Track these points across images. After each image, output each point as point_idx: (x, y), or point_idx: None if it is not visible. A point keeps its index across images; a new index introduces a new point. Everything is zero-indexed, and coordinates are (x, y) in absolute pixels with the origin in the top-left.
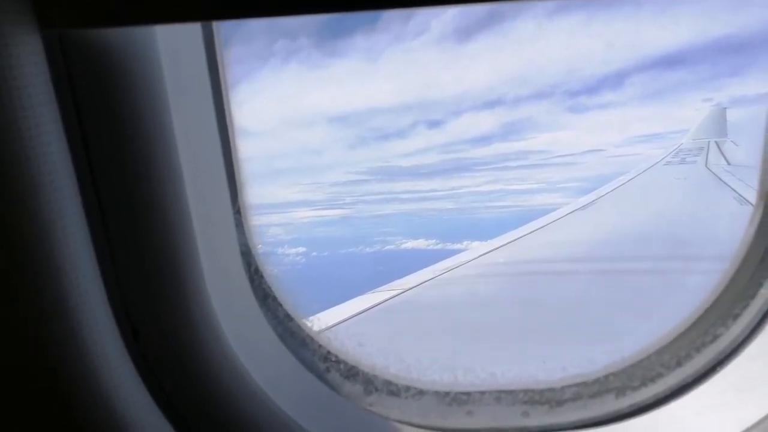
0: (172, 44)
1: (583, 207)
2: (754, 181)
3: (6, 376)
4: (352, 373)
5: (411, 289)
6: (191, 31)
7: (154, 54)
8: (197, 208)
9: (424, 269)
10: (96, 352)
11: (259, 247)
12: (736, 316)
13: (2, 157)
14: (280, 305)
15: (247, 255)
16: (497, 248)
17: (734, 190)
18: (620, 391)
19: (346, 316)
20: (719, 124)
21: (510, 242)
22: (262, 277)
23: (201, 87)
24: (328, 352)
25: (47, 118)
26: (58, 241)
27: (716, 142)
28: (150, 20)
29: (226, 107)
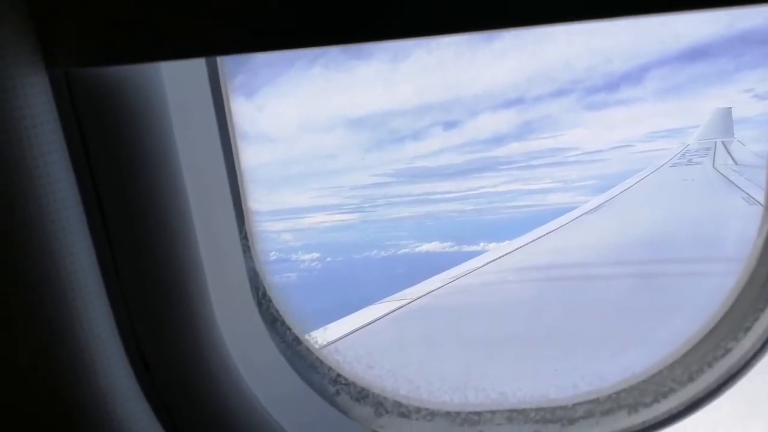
0: (177, 79)
1: (592, 210)
2: (762, 181)
3: (17, 408)
4: (362, 395)
5: (421, 297)
6: (196, 66)
7: (159, 89)
8: (205, 237)
9: (436, 276)
10: (107, 384)
11: (267, 273)
12: (747, 330)
13: (12, 195)
14: (289, 329)
15: (254, 280)
16: (503, 256)
17: (742, 190)
18: (633, 408)
19: (354, 328)
20: (726, 123)
21: (517, 249)
22: (270, 301)
23: (206, 119)
24: (338, 375)
25: (55, 157)
26: (68, 276)
27: (723, 141)
28: (155, 57)
29: (231, 138)
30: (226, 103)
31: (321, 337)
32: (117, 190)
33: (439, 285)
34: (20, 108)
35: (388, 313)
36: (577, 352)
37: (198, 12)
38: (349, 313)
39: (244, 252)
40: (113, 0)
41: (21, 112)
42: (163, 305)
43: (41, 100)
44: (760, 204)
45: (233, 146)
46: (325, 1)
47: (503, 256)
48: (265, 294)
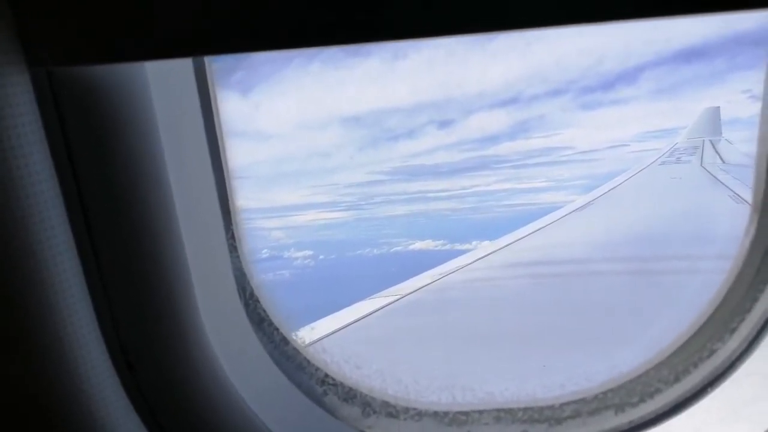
0: (162, 78)
1: (580, 208)
2: (749, 179)
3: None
4: (350, 395)
5: (409, 294)
6: (182, 65)
7: (144, 89)
8: (190, 237)
9: (426, 272)
10: (90, 386)
11: (255, 274)
12: (732, 331)
13: None
14: (276, 329)
15: (241, 280)
16: (492, 253)
17: (730, 189)
18: (619, 408)
19: (341, 325)
20: (714, 122)
21: (504, 246)
22: (257, 301)
23: (193, 119)
24: (326, 375)
25: (38, 157)
26: (51, 278)
27: (711, 140)
28: (139, 57)
29: (219, 138)
30: (213, 103)
31: (308, 335)
32: (100, 191)
33: (429, 281)
34: (1, 108)
35: (376, 310)
36: (563, 350)
37: (183, 11)
38: (340, 310)
39: (231, 252)
40: None
41: (2, 111)
42: (147, 306)
43: (23, 99)
44: (747, 202)
45: (221, 146)
46: (314, 1)
47: (491, 253)
48: (252, 294)
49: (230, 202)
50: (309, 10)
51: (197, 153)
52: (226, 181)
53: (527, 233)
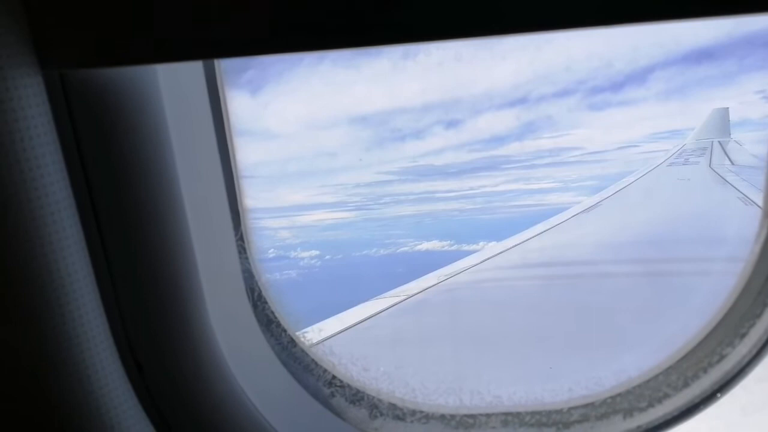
0: (173, 81)
1: (586, 210)
2: (758, 181)
3: (8, 410)
4: (357, 397)
5: (415, 295)
6: (192, 68)
7: (155, 92)
8: (200, 239)
9: (432, 273)
10: (99, 386)
11: (263, 275)
12: (743, 336)
13: (5, 198)
14: (284, 331)
15: (250, 281)
16: (498, 254)
17: (738, 190)
18: (627, 413)
19: (347, 325)
20: (722, 124)
21: (510, 248)
22: (265, 303)
23: (203, 121)
24: (333, 377)
25: (49, 159)
26: (61, 279)
27: (719, 142)
28: (151, 60)
29: (228, 139)
30: (223, 103)
31: (315, 335)
32: (111, 193)
33: (435, 282)
34: (14, 110)
35: (382, 310)
36: (571, 353)
37: (194, 15)
38: (346, 310)
39: (240, 253)
40: (109, 2)
41: (15, 114)
42: (157, 307)
43: (36, 101)
44: (755, 203)
45: (230, 148)
46: (322, 5)
47: (499, 254)
48: (260, 295)
49: (239, 203)
50: (321, 12)
51: (207, 154)
52: (236, 183)
53: (535, 234)
